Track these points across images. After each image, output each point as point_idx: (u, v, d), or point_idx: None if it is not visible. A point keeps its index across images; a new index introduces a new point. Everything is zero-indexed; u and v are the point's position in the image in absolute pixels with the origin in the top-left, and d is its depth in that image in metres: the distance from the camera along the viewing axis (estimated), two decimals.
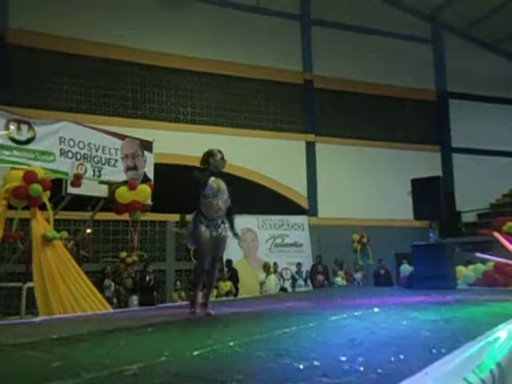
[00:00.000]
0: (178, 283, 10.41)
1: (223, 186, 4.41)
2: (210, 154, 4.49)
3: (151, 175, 8.58)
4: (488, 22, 15.05)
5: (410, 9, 15.51)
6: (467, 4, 14.57)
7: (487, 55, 16.41)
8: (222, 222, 4.41)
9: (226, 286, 9.27)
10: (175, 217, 11.89)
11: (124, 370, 2.07)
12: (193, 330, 3.52)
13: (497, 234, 6.66)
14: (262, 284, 10.08)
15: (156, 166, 9.03)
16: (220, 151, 4.50)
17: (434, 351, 2.20)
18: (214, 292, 9.01)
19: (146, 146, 8.56)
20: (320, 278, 11.40)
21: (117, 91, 12.00)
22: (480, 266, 7.57)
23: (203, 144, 12.46)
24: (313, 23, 14.43)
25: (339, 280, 11.56)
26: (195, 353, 2.46)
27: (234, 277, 9.65)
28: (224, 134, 12.54)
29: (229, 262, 10.04)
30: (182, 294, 9.74)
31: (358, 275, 12.20)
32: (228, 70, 13.11)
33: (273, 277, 10.22)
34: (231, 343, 2.69)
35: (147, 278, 9.10)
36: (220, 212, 4.39)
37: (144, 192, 7.87)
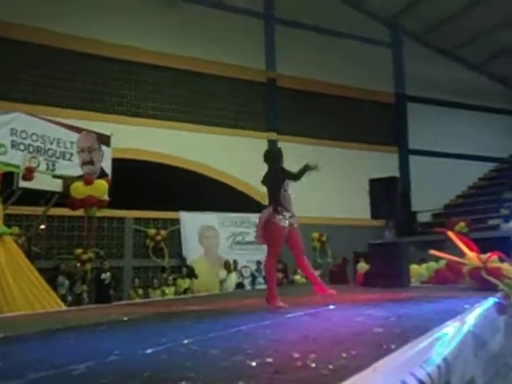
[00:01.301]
0: (137, 280, 10.25)
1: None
2: (274, 152, 5.04)
3: (109, 170, 8.38)
4: (445, 28, 15.57)
5: (372, 13, 15.84)
6: (425, 11, 15.02)
7: (444, 61, 16.99)
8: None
9: (185, 283, 9.20)
10: (134, 213, 11.69)
11: (71, 370, 2.00)
12: (147, 328, 3.46)
13: (451, 233, 6.88)
14: (222, 282, 10.07)
15: (114, 160, 8.83)
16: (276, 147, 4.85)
17: (384, 347, 2.24)
18: (172, 290, 8.94)
19: (104, 139, 8.36)
20: (279, 275, 11.47)
21: (76, 83, 11.65)
22: (432, 265, 7.79)
23: (164, 139, 12.46)
24: (276, 22, 14.50)
25: (298, 278, 11.68)
26: (148, 351, 2.41)
27: (191, 274, 9.60)
28: (185, 130, 12.44)
29: (183, 259, 9.97)
30: (140, 291, 9.60)
31: (317, 273, 12.34)
32: (191, 66, 12.98)
33: (233, 275, 10.23)
34: (185, 341, 2.65)
35: (103, 275, 8.90)
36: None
37: (100, 187, 7.68)
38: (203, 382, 1.80)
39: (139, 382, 1.80)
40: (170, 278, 9.80)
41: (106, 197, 7.95)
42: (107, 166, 8.38)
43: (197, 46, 13.00)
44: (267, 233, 4.54)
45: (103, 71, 12.02)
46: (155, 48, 12.52)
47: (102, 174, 8.08)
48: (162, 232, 11.82)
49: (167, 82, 12.79)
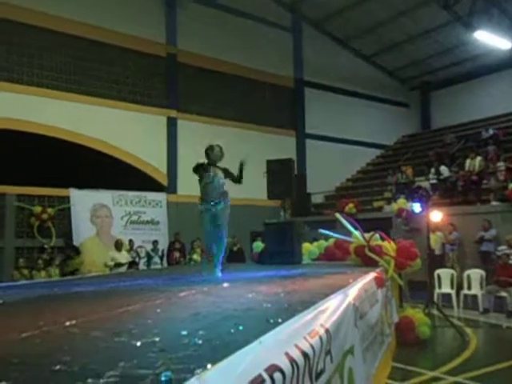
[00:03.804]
0: (21, 260, 9.48)
1: (220, 173, 5.64)
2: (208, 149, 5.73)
3: None
4: (341, 18, 16.24)
5: None
6: None
7: (340, 49, 17.74)
8: (217, 203, 5.69)
9: (73, 263, 8.69)
10: (16, 189, 10.76)
11: None
12: (25, 311, 3.18)
13: (337, 215, 7.29)
14: (113, 262, 9.66)
15: None
16: (218, 145, 5.78)
17: (271, 321, 2.28)
18: (57, 271, 8.40)
19: None
20: (176, 255, 11.37)
21: None
22: (323, 243, 8.23)
23: (53, 110, 11.48)
24: None
25: (196, 257, 11.64)
26: (22, 335, 2.21)
27: (78, 255, 9.10)
28: (76, 102, 11.62)
29: (72, 239, 9.42)
30: (25, 271, 8.89)
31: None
32: (85, 33, 12.08)
33: (126, 254, 9.87)
34: (67, 323, 2.48)
35: None
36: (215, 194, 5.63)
37: None
38: (80, 365, 1.68)
39: (6, 370, 1.63)
40: (58, 258, 9.19)
41: None
42: None
43: (93, 11, 12.10)
44: None
45: None
46: (43, 9, 11.39)
47: None
48: (49, 210, 11.03)
49: (57, 48, 11.73)
